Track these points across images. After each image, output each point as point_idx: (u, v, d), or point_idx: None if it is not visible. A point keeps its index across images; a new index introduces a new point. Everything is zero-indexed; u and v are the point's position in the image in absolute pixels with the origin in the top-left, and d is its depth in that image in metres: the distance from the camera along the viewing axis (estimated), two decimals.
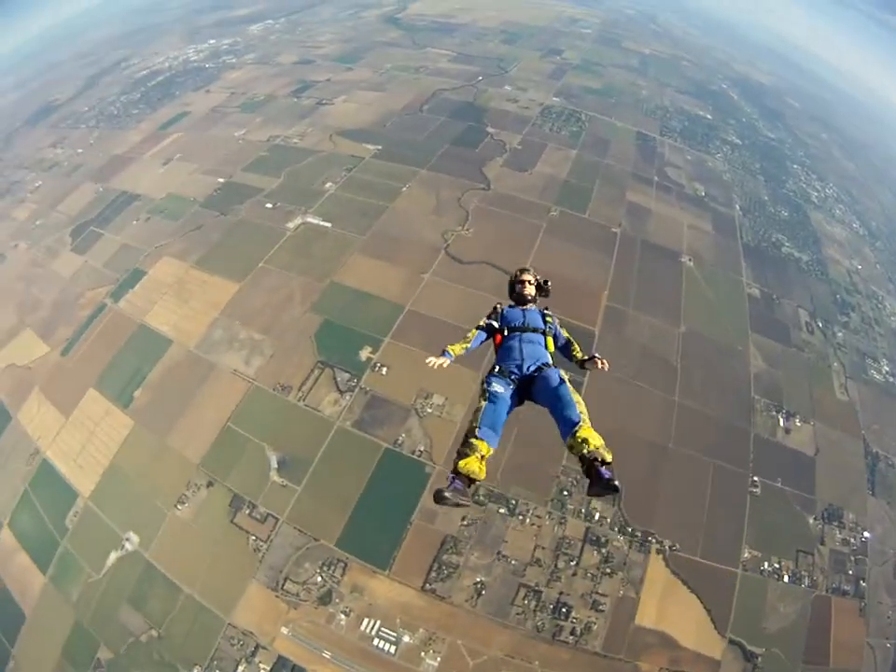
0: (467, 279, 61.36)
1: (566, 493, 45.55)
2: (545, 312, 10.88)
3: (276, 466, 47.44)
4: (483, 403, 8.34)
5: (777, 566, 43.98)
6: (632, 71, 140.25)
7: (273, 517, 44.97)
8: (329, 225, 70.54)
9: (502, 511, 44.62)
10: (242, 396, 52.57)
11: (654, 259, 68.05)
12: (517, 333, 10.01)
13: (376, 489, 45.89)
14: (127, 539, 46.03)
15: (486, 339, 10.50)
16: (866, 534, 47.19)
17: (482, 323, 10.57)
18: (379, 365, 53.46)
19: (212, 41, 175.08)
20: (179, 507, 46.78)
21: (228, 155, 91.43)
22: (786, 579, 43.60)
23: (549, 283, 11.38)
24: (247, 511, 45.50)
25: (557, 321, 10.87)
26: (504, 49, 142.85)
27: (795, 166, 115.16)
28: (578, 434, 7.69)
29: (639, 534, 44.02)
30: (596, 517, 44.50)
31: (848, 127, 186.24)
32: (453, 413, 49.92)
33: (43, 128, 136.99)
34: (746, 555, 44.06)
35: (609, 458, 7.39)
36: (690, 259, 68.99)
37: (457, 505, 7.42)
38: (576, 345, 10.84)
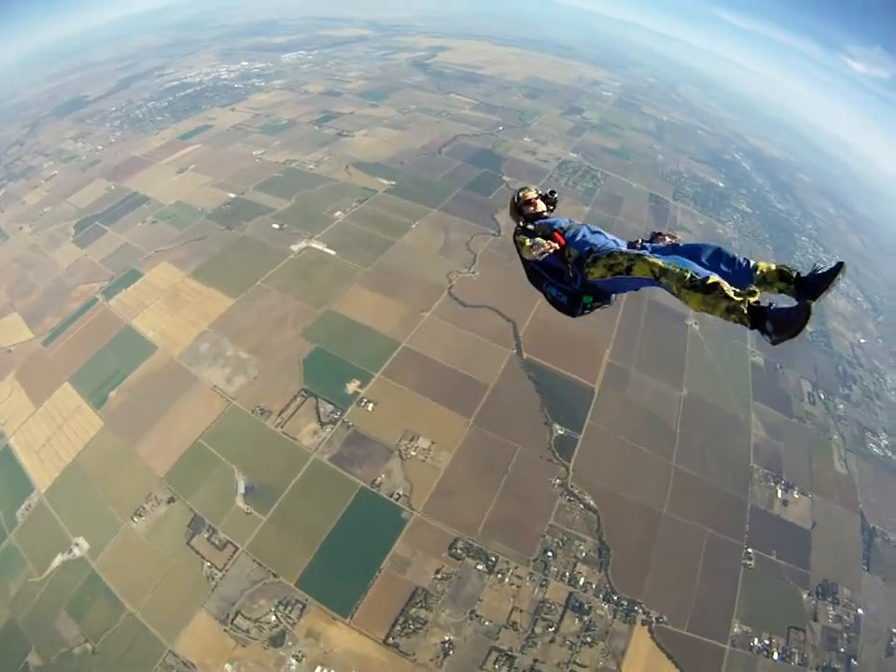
0: (468, 322, 60.59)
1: (550, 554, 43.36)
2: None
3: (244, 491, 45.41)
4: (658, 261, 7.39)
5: (767, 642, 41.87)
6: (649, 135, 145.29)
7: (233, 545, 42.67)
8: (333, 252, 70.37)
9: (480, 567, 42.39)
10: (218, 414, 51.02)
11: (660, 319, 67.43)
12: (579, 226, 8.97)
13: (346, 529, 43.53)
14: (76, 544, 43.78)
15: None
16: (860, 610, 45.41)
17: (531, 232, 9.38)
18: (366, 400, 51.95)
19: (245, 63, 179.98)
20: (136, 519, 44.62)
21: (242, 172, 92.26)
22: (776, 656, 41.42)
23: (555, 193, 10.38)
24: (206, 535, 43.22)
25: None
26: (526, 102, 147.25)
27: (803, 238, 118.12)
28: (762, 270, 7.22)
29: (626, 603, 41.89)
30: (581, 582, 42.32)
31: (856, 203, 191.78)
32: (438, 459, 48.07)
33: (69, 121, 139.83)
34: (736, 630, 41.95)
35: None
36: (695, 323, 68.71)
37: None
38: None
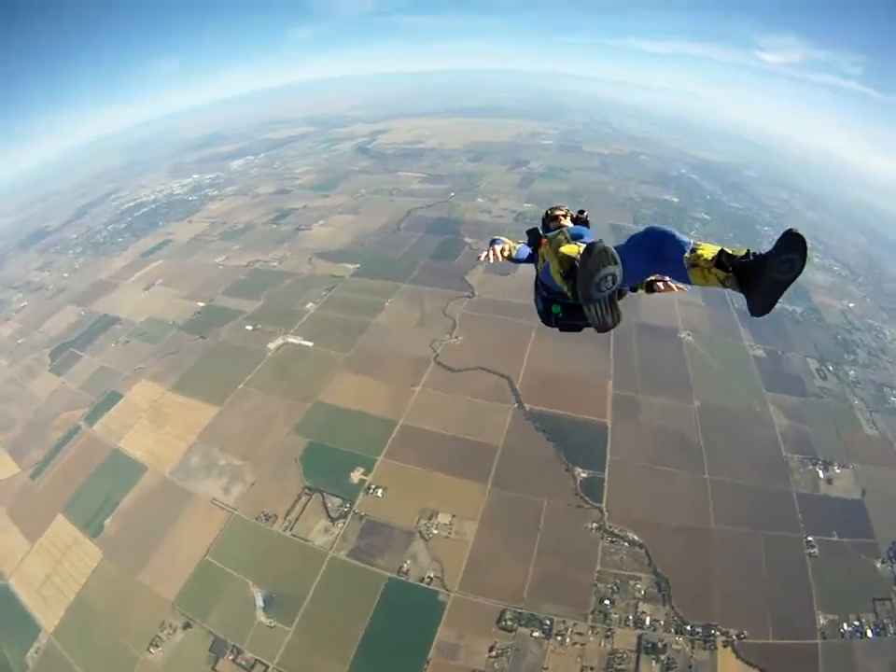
0: (461, 387, 60.47)
1: (607, 602, 41.46)
2: None
3: (262, 604, 43.47)
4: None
5: (857, 623, 40.52)
6: (595, 171, 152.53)
7: (262, 664, 40.35)
8: (310, 344, 70.63)
9: (536, 633, 40.22)
10: (221, 526, 49.46)
11: (653, 339, 68.60)
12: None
13: (382, 625, 41.26)
14: None
15: (531, 253, 9.05)
16: None
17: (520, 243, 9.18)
18: (374, 486, 50.85)
19: (195, 176, 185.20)
20: (152, 650, 42.21)
21: (208, 280, 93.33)
22: (870, 633, 40.06)
23: (584, 212, 9.78)
24: (231, 657, 40.90)
25: None
26: (472, 166, 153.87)
27: (765, 228, 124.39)
28: (698, 253, 5.73)
29: (700, 630, 40.01)
30: (647, 622, 40.39)
31: (805, 184, 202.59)
32: (463, 532, 46.60)
33: (33, 252, 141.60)
34: (822, 622, 40.48)
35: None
36: (688, 334, 70.29)
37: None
38: None
